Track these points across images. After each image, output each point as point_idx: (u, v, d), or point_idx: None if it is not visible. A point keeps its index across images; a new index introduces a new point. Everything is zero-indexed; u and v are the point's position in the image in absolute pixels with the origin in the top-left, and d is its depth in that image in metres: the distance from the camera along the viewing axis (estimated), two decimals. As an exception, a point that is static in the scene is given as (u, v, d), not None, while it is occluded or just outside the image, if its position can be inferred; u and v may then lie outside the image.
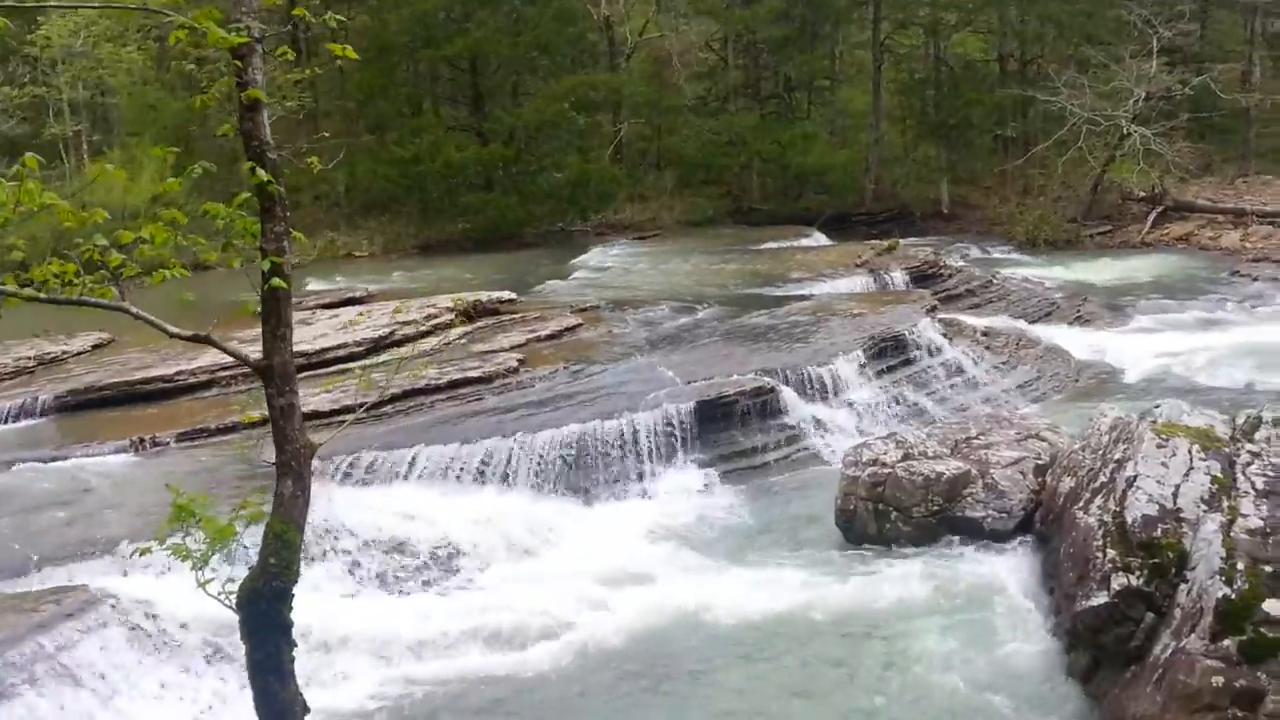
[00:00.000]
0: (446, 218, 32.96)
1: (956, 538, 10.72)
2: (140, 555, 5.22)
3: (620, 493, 12.59)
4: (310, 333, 16.60)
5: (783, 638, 9.33)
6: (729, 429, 13.67)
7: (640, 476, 12.81)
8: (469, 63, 34.81)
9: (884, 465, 11.28)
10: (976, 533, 10.69)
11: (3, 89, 29.50)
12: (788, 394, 14.28)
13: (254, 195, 4.84)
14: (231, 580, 5.04)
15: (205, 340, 5.11)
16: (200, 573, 4.91)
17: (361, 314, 16.90)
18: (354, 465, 11.77)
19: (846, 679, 8.65)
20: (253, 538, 5.20)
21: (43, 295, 4.47)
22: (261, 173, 4.74)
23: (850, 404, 14.85)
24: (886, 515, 11.02)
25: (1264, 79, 39.21)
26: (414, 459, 11.95)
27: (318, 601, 9.77)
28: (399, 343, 15.95)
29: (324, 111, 36.05)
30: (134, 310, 4.65)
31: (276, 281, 4.88)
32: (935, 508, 10.89)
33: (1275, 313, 21.99)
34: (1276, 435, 8.89)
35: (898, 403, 15.25)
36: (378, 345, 15.81)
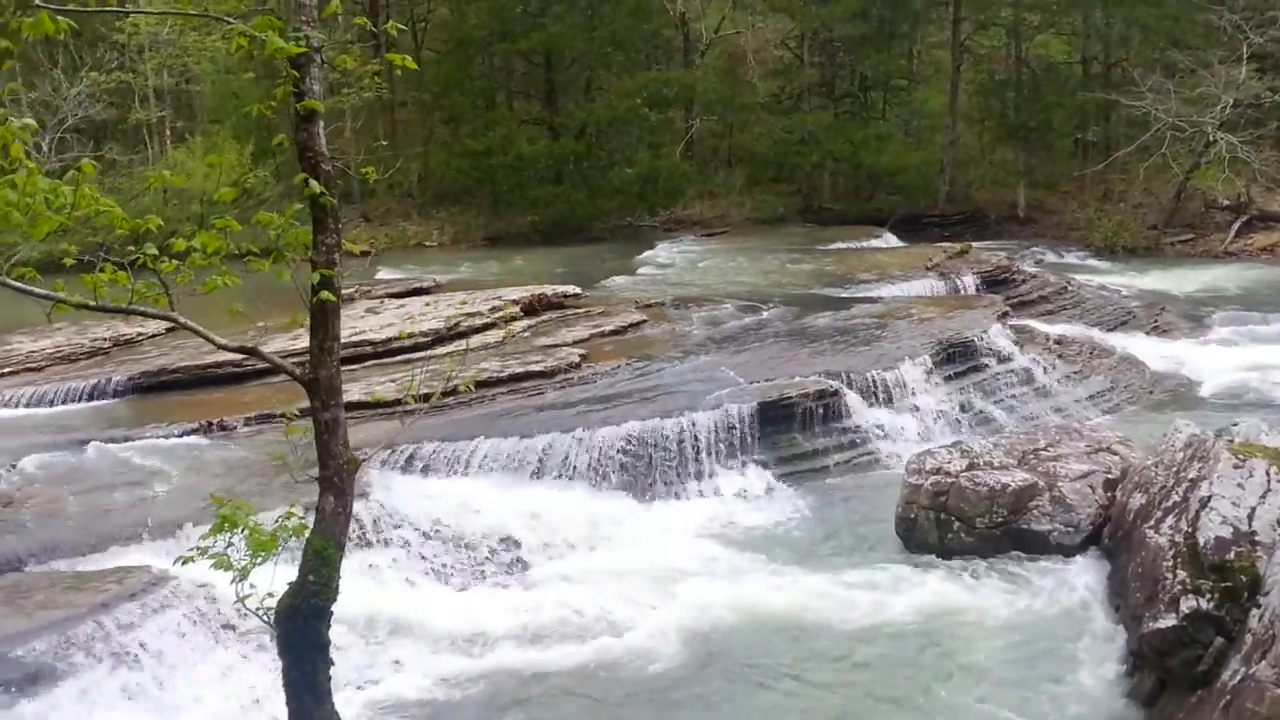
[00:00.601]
0: (516, 210, 33.18)
1: (1020, 551, 10.46)
2: (183, 565, 5.24)
3: (679, 492, 12.52)
4: (377, 321, 16.79)
5: (839, 646, 9.19)
6: (790, 431, 13.52)
7: (699, 476, 12.72)
8: (543, 57, 35.02)
9: (947, 474, 11.06)
10: (1042, 547, 10.43)
11: (91, 74, 30.23)
12: (851, 397, 14.09)
13: (307, 206, 4.81)
14: (270, 594, 5.03)
15: (251, 352, 5.10)
16: (241, 586, 4.89)
17: (428, 304, 17.05)
18: (415, 455, 11.85)
19: (901, 692, 8.49)
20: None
21: (92, 303, 4.49)
22: (315, 185, 4.71)
23: (915, 409, 14.60)
24: (949, 525, 10.80)
25: (1360, 86, 37.81)
26: (474, 451, 12.00)
27: (375, 590, 9.91)
28: (463, 334, 16.05)
29: (400, 102, 36.50)
30: (182, 320, 4.67)
31: (325, 294, 4.84)
32: (999, 519, 10.65)
33: (1364, 329, 21.17)
34: (1361, 458, 8.53)
35: (964, 410, 14.96)
36: (442, 336, 15.92)
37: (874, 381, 14.45)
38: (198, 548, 5.03)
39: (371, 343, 15.53)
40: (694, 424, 12.89)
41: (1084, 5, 36.16)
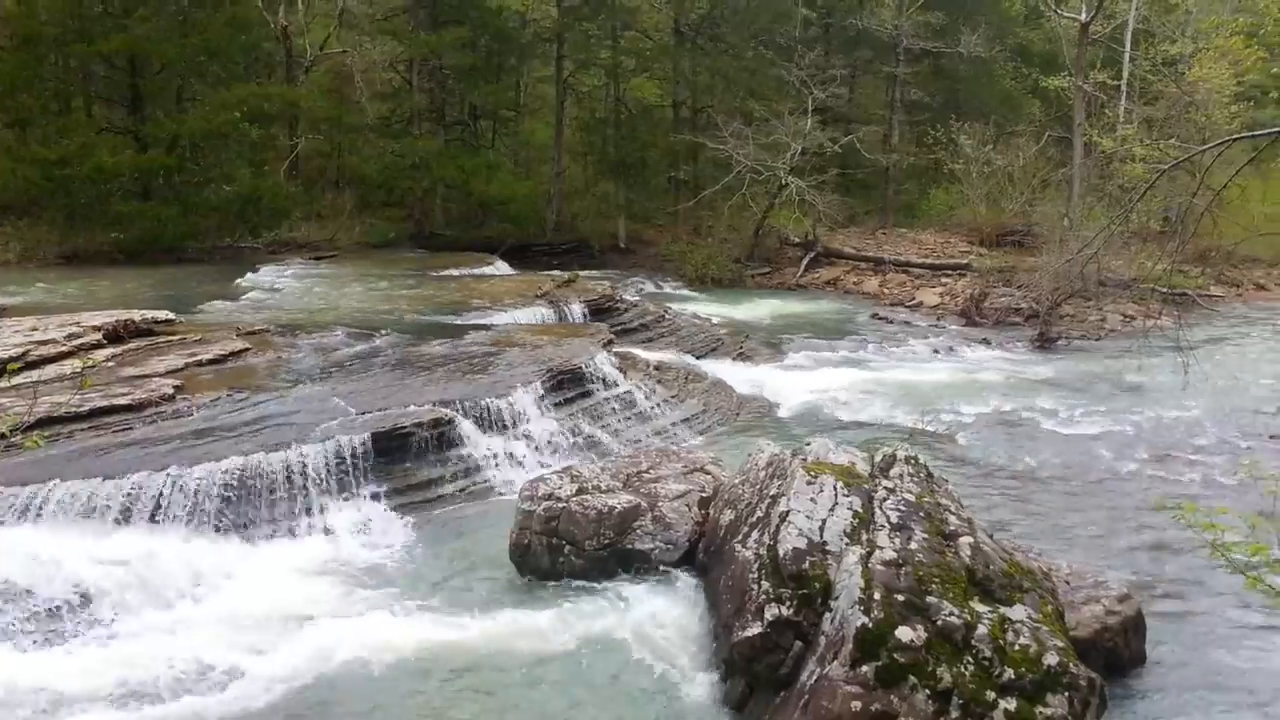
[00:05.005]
0: (96, 226, 30.26)
1: (626, 571, 11.01)
2: None
3: (287, 530, 11.94)
4: (-77, 351, 14.62)
5: (445, 677, 9.18)
6: (405, 461, 13.37)
7: (310, 512, 12.21)
8: (127, 62, 32.27)
9: (558, 499, 11.42)
10: (645, 565, 11.04)
11: None
12: (466, 426, 14.17)
13: None
14: None
15: None
16: None
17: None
18: (-27, 505, 10.43)
19: (503, 717, 8.62)
20: None
21: None
22: None
23: (529, 436, 14.95)
24: (560, 549, 11.15)
25: (901, 141, 43.84)
26: (47, 496, 10.75)
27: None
28: (34, 364, 14.37)
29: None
30: None
31: None
32: (607, 541, 11.15)
33: (907, 353, 24.49)
34: (908, 473, 9.82)
35: (574, 435, 15.52)
36: (6, 367, 14.12)
37: (488, 409, 14.63)
38: None
39: (-84, 376, 13.48)
40: (303, 457, 12.37)
41: (674, 54, 39.10)
